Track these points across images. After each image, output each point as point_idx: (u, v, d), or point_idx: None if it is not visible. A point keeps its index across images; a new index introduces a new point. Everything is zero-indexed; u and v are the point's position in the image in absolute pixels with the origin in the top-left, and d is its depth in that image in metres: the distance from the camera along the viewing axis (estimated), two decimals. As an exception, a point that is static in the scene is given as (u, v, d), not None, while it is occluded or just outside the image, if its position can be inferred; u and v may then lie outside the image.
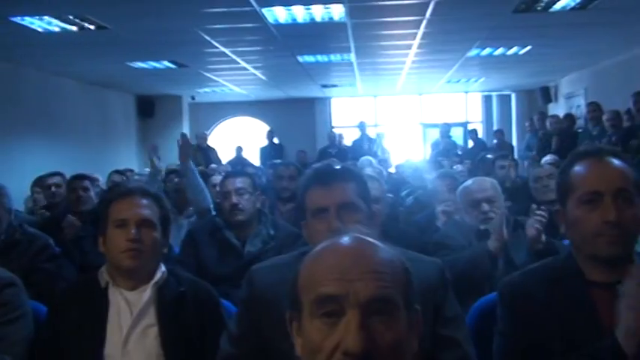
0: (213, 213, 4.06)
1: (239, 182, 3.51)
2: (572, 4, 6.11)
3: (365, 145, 12.45)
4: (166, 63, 9.18)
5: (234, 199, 3.44)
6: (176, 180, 5.15)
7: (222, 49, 7.99)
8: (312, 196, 1.96)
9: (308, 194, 1.98)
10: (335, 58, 9.15)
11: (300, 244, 3.39)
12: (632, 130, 7.47)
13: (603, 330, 1.61)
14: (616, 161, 1.72)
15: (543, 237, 3.00)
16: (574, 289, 1.71)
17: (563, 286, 1.73)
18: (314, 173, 2.06)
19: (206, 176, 7.03)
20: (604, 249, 1.67)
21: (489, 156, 7.72)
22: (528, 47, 8.66)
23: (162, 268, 2.21)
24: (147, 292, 2.14)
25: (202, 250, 3.43)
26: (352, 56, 8.93)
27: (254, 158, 13.06)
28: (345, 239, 1.18)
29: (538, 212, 2.99)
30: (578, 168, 1.75)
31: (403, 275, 1.16)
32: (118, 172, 7.26)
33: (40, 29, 6.49)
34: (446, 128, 12.39)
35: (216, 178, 5.37)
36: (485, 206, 3.24)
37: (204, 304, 2.20)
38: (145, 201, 2.17)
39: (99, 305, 2.11)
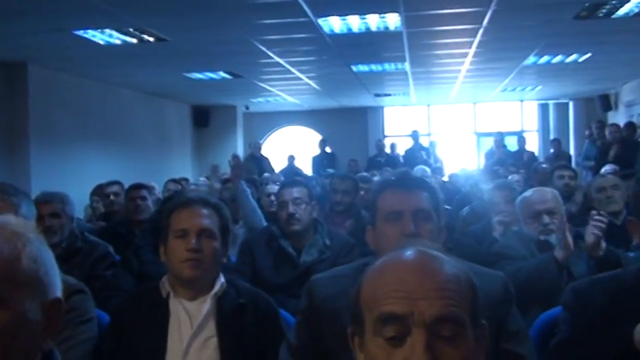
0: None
1: (296, 192, 3.51)
2: (636, 9, 5.94)
3: (418, 154, 12.36)
4: (222, 73, 9.31)
5: (291, 208, 3.45)
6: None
7: (277, 59, 8.05)
8: (387, 199, 1.94)
9: (382, 197, 1.96)
10: (389, 67, 9.11)
11: (356, 254, 3.39)
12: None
13: None
14: None
15: (603, 244, 2.91)
16: None
17: (632, 298, 1.66)
18: (391, 178, 2.06)
19: (259, 184, 7.12)
20: None
21: (544, 165, 7.59)
22: (588, 54, 8.46)
23: (222, 278, 2.22)
24: (207, 303, 2.15)
25: (258, 260, 3.45)
26: (406, 65, 8.88)
27: (306, 167, 13.12)
28: (409, 253, 1.15)
29: (597, 218, 2.90)
30: None
31: (469, 291, 1.12)
32: (173, 180, 7.38)
33: (101, 42, 6.67)
34: (500, 137, 12.20)
35: (272, 188, 5.40)
36: (546, 218, 3.18)
37: (264, 315, 2.20)
38: (205, 211, 2.18)
39: (160, 315, 2.13)
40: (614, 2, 5.71)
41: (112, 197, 5.68)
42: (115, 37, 6.52)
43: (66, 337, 2.11)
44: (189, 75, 9.30)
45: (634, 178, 5.79)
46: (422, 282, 1.08)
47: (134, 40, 6.67)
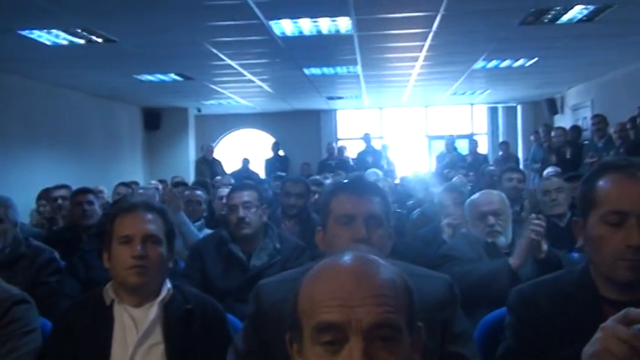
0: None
1: (246, 196, 3.49)
2: (580, 16, 6.11)
3: (370, 157, 12.45)
4: (173, 75, 9.21)
5: (241, 212, 3.42)
6: (187, 192, 5.17)
7: (229, 61, 8.01)
8: (340, 202, 1.95)
9: (335, 200, 1.97)
10: (341, 70, 9.16)
11: (306, 258, 3.39)
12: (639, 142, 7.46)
13: None
14: None
15: (545, 246, 2.99)
16: (585, 305, 1.66)
17: (574, 300, 1.68)
18: (345, 181, 2.07)
19: (210, 187, 7.06)
20: (623, 274, 1.59)
21: (492, 168, 7.74)
22: (535, 59, 8.66)
23: (168, 284, 2.19)
24: (153, 310, 2.11)
25: (208, 264, 3.41)
26: (358, 68, 8.94)
27: (260, 170, 13.08)
28: (347, 258, 1.15)
29: (535, 222, 2.98)
30: (604, 182, 1.64)
31: (406, 295, 1.14)
32: (123, 184, 7.26)
33: (48, 42, 6.52)
34: (451, 140, 12.39)
35: (224, 191, 5.37)
36: (492, 219, 3.24)
37: (212, 321, 2.18)
38: (149, 216, 2.14)
39: (104, 322, 2.08)
40: (558, 8, 5.86)
41: (59, 201, 5.57)
42: (62, 38, 6.39)
43: (10, 348, 2.07)
44: (139, 77, 9.18)
45: (581, 179, 5.95)
46: (358, 289, 1.08)
47: (81, 41, 6.54)
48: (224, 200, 5.06)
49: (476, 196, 3.42)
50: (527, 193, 5.36)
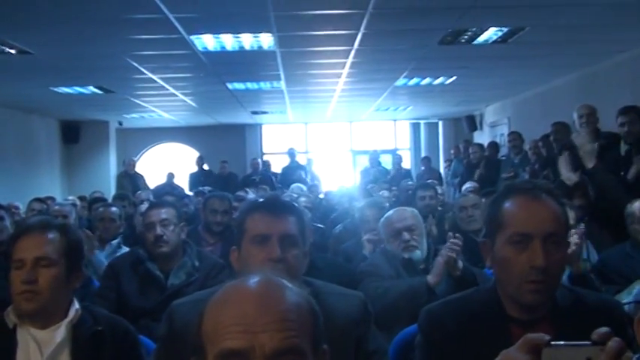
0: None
1: (164, 213, 3.43)
2: (495, 37, 6.34)
3: (295, 171, 12.47)
4: (92, 88, 8.98)
5: (159, 230, 3.36)
6: (100, 209, 5.01)
7: (150, 75, 7.88)
8: (256, 221, 1.94)
9: (250, 219, 1.96)
10: (265, 85, 9.17)
11: (226, 275, 3.36)
12: (551, 158, 7.75)
13: None
14: (549, 201, 1.67)
15: (460, 264, 3.07)
16: (493, 325, 1.69)
17: (481, 319, 1.71)
18: (261, 200, 2.05)
19: (131, 203, 6.90)
20: (527, 296, 1.63)
21: (410, 183, 7.89)
22: (454, 77, 8.92)
23: (76, 305, 2.12)
24: (60, 332, 2.04)
25: (124, 284, 3.33)
26: (282, 84, 8.97)
27: (184, 184, 12.88)
28: (252, 282, 1.14)
29: (451, 240, 3.07)
30: (510, 205, 1.69)
31: (311, 319, 1.13)
32: (38, 200, 7.00)
33: (-43, 53, 6.26)
34: (375, 155, 12.57)
35: (144, 207, 5.24)
36: (406, 235, 3.31)
37: (122, 343, 2.12)
38: (49, 235, 2.07)
39: (6, 347, 2.00)
40: (474, 30, 6.06)
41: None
42: (-27, 49, 6.14)
43: None
44: (56, 89, 8.90)
45: (486, 198, 6.13)
46: (262, 314, 1.07)
47: (-6, 52, 6.30)
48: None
49: (389, 213, 3.50)
50: (449, 217, 5.43)
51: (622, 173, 5.08)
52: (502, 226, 1.67)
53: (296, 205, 2.18)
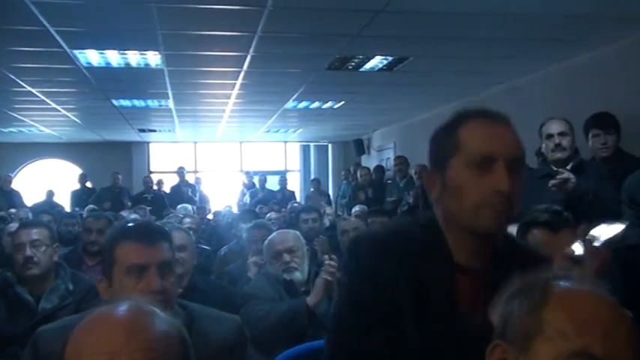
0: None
1: (35, 234, 3.27)
2: (380, 65, 6.54)
3: (183, 191, 12.26)
4: (-36, 100, 8.47)
5: (29, 251, 3.20)
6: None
7: (29, 88, 7.53)
8: (129, 251, 1.87)
9: (122, 249, 1.89)
10: (152, 103, 8.98)
11: (102, 300, 3.24)
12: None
13: (461, 314, 1.47)
14: (510, 127, 1.52)
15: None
16: (440, 270, 1.51)
17: (427, 260, 1.51)
18: (132, 228, 1.98)
19: (1, 222, 6.53)
20: (485, 222, 1.46)
21: (295, 204, 7.96)
22: (342, 102, 9.10)
23: None
24: None
25: (-10, 309, 3.14)
26: (170, 103, 8.82)
27: (66, 203, 12.33)
28: (120, 310, 1.11)
29: (327, 263, 3.14)
30: (468, 128, 1.51)
31: (179, 347, 1.12)
32: None
33: None
34: (263, 177, 12.59)
35: (14, 226, 4.96)
36: (287, 256, 3.37)
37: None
38: None
39: None
40: (361, 57, 6.23)
41: None
42: None
43: None
44: None
45: (383, 214, 6.28)
46: (128, 341, 1.05)
47: None
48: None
49: (272, 235, 3.54)
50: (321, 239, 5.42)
51: None
52: (459, 149, 1.50)
53: (165, 229, 2.15)
